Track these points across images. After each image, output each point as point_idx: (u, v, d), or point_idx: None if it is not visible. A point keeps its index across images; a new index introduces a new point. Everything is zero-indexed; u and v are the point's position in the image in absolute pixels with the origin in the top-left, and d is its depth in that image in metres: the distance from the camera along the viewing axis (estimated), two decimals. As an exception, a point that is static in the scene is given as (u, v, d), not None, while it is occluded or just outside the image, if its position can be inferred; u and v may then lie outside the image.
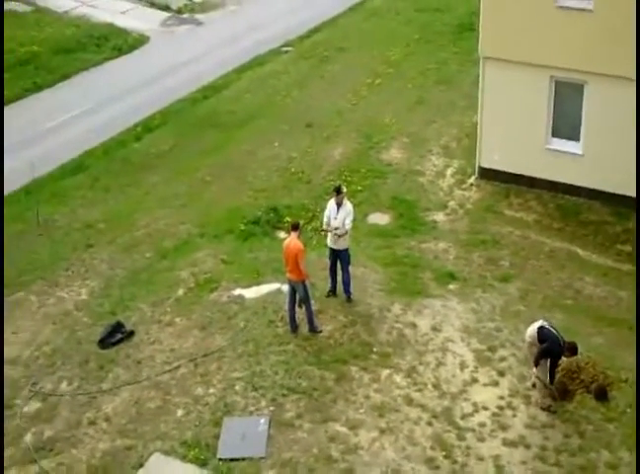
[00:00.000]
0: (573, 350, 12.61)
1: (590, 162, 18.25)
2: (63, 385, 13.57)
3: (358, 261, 15.75)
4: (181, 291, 15.72)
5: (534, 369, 12.73)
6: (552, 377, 12.73)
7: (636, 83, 16.61)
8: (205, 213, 18.59)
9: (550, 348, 12.46)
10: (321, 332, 14.28)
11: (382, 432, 12.40)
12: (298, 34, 29.01)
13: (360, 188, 18.93)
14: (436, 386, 13.18)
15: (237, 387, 13.25)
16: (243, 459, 12.04)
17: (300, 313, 14.39)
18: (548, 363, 12.65)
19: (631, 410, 12.75)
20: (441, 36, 27.75)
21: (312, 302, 14.42)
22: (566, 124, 18.49)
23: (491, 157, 19.05)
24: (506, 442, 12.19)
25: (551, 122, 18.59)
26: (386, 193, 18.76)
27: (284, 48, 28.20)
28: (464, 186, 18.77)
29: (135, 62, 27.58)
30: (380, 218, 17.87)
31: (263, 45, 27.88)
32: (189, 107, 24.21)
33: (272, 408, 12.86)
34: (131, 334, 14.56)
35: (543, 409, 12.65)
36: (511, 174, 18.86)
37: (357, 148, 20.72)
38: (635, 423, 10.81)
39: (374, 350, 13.89)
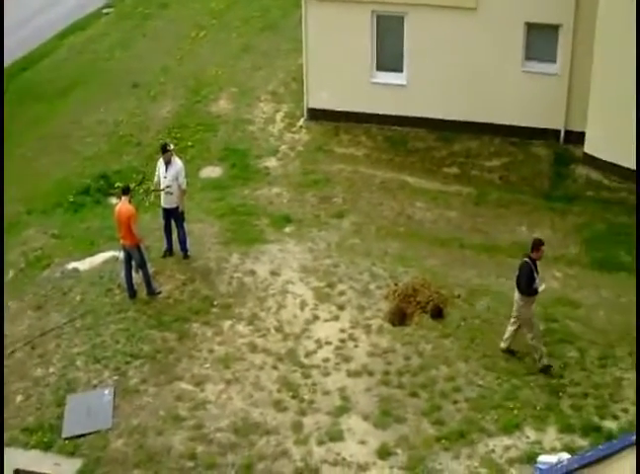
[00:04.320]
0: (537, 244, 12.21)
1: (414, 92, 18.57)
2: None
3: (193, 216, 15.49)
4: (11, 273, 15.00)
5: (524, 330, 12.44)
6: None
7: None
8: (32, 190, 17.72)
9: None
10: (160, 293, 14.02)
11: (229, 382, 12.37)
12: (118, -7, 27.89)
13: (190, 143, 18.54)
14: (278, 329, 13.25)
15: (78, 362, 12.86)
16: (90, 434, 11.74)
17: (138, 278, 14.07)
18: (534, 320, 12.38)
19: (465, 323, 13.29)
20: (264, -19, 27.32)
21: (149, 265, 14.14)
22: (389, 57, 18.72)
23: (318, 97, 19.06)
24: (350, 373, 12.44)
25: (375, 56, 18.75)
26: (217, 145, 18.47)
27: (104, 10, 27.07)
28: (294, 129, 18.72)
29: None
30: (213, 171, 17.59)
31: (82, 8, 26.64)
32: (5, 81, 22.87)
33: (115, 377, 12.57)
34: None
35: (543, 370, 12.35)
36: (339, 112, 18.94)
37: (184, 104, 20.25)
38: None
39: (215, 303, 13.79)
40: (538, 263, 12.27)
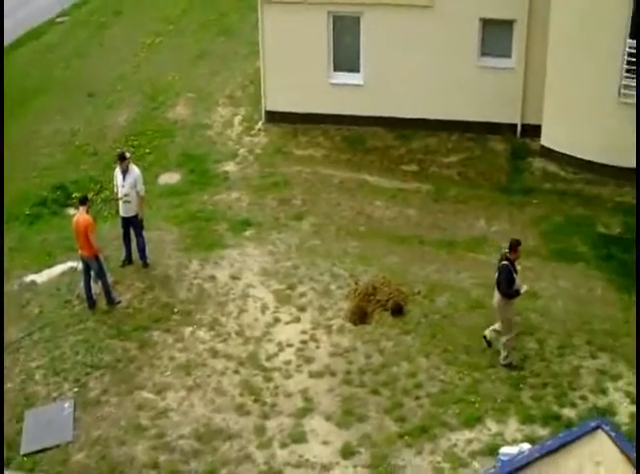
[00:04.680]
0: (515, 245, 12.21)
1: (371, 91, 18.60)
2: None
3: (152, 224, 15.39)
4: (-33, 288, 14.81)
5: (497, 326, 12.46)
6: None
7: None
8: (-12, 203, 17.53)
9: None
10: (120, 303, 13.91)
11: (190, 389, 12.30)
12: (73, 2, 27.65)
13: (148, 150, 18.42)
14: (239, 334, 13.20)
15: (37, 376, 12.71)
16: (50, 449, 11.61)
17: (97, 288, 13.96)
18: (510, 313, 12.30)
19: (425, 319, 13.33)
20: (220, -15, 27.26)
21: (108, 275, 14.01)
22: (346, 57, 18.74)
23: (276, 100, 19.04)
24: (312, 374, 12.42)
25: (332, 57, 18.77)
26: (175, 151, 18.38)
27: (58, 19, 26.84)
28: (252, 132, 18.68)
29: None
30: (171, 177, 17.50)
31: (36, 17, 26.38)
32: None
33: (75, 389, 12.44)
34: None
35: (506, 365, 12.40)
36: (297, 113, 18.93)
37: (141, 111, 20.12)
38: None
39: (175, 310, 13.71)
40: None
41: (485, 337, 12.69)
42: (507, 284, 12.04)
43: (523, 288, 12.23)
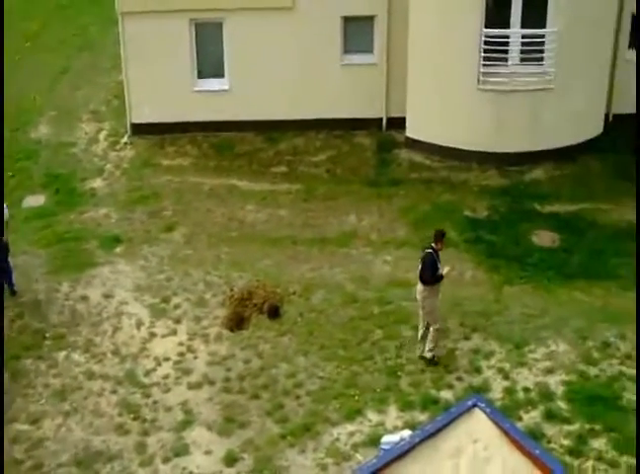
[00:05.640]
0: (440, 236, 12.37)
1: (237, 96, 18.56)
2: None
3: (17, 249, 14.85)
4: None
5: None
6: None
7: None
8: None
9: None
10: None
11: (67, 414, 11.97)
12: None
13: (11, 173, 17.76)
14: (115, 352, 12.93)
15: None
16: None
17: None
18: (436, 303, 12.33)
19: (301, 318, 13.41)
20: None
21: (-26, 304, 13.48)
22: (211, 64, 18.65)
23: (141, 112, 18.75)
24: (191, 386, 12.30)
25: (196, 64, 18.63)
26: (39, 172, 17.78)
27: None
28: (119, 146, 18.31)
29: None
30: (36, 200, 16.90)
31: None
32: None
33: (-55, 430, 11.91)
34: None
35: (428, 359, 12.44)
36: (164, 124, 18.68)
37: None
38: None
39: (47, 335, 13.31)
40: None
41: (424, 357, 12.53)
42: (431, 272, 12.14)
43: (445, 270, 12.41)
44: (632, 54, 18.46)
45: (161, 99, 18.62)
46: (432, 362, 12.47)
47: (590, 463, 10.99)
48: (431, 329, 12.47)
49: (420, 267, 12.34)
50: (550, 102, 17.27)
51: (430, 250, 12.25)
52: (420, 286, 12.39)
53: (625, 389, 11.98)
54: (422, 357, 12.53)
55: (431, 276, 12.19)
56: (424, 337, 12.58)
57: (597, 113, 18.11)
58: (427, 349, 12.48)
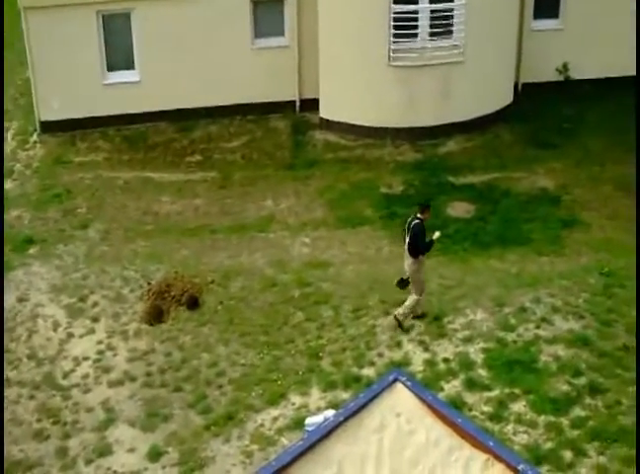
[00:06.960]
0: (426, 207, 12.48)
1: (148, 87, 18.26)
2: None
3: None
4: None
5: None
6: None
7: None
8: None
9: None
10: None
11: (-17, 426, 11.69)
12: None
13: None
14: (31, 357, 12.66)
15: None
16: None
17: None
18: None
19: (221, 306, 13.33)
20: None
21: None
22: (120, 56, 18.29)
23: (50, 109, 18.31)
24: (111, 384, 12.13)
25: (104, 57, 18.24)
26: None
27: None
28: (28, 145, 17.86)
29: None
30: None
31: None
32: None
33: None
34: None
35: (398, 320, 12.50)
36: (74, 120, 18.25)
37: None
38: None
39: (-41, 345, 12.96)
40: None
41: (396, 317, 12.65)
42: (422, 239, 12.25)
43: (435, 235, 12.53)
44: (537, 24, 18.80)
45: (70, 94, 18.20)
46: (400, 326, 12.61)
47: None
48: (411, 296, 12.63)
49: (409, 237, 12.43)
50: (460, 75, 17.46)
51: (417, 220, 12.39)
52: (408, 259, 12.51)
53: (542, 352, 12.23)
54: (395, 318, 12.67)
55: (422, 242, 12.37)
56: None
57: (506, 83, 18.39)
58: (400, 311, 12.65)
